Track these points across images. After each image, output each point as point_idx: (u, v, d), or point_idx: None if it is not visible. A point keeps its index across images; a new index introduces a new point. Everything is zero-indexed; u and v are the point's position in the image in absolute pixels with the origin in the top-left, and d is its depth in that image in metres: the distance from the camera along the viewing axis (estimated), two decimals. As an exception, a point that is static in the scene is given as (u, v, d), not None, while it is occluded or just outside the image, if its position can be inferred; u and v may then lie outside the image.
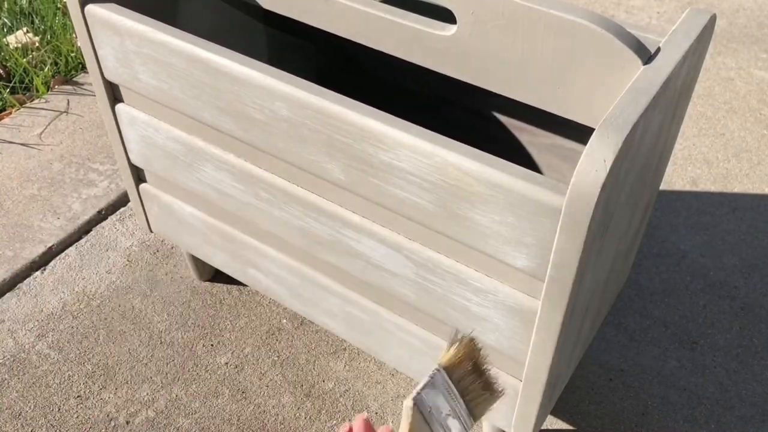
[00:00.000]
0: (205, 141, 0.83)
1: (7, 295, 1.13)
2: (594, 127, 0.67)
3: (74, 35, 1.68)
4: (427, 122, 1.03)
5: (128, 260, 1.19)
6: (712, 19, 0.71)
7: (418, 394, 0.56)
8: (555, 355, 0.68)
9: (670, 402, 1.00)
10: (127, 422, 0.97)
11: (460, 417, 0.58)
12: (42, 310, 1.11)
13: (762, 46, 1.76)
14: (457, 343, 0.59)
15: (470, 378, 0.60)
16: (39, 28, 1.71)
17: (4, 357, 1.04)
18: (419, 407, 0.56)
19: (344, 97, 0.67)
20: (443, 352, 0.60)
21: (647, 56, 0.65)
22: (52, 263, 1.19)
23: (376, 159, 0.66)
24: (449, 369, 0.58)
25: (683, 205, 1.31)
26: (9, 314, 1.10)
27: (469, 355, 0.59)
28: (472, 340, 0.60)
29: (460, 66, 0.77)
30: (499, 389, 0.60)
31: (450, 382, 0.58)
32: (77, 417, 0.97)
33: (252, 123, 0.74)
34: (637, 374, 1.04)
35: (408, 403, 0.55)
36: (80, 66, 1.63)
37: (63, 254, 1.20)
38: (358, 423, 0.58)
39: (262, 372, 1.03)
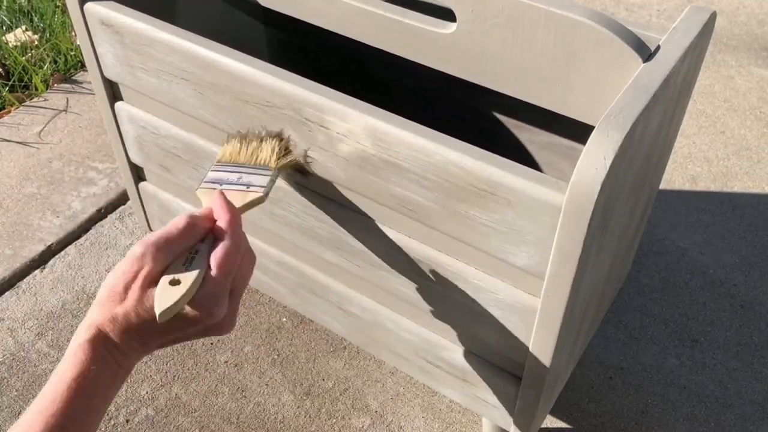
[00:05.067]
0: (204, 139, 0.82)
1: (7, 293, 1.13)
2: (594, 125, 0.66)
3: (73, 33, 1.68)
4: (427, 120, 1.03)
5: (128, 259, 1.19)
6: (713, 17, 0.71)
7: (201, 182, 0.66)
8: (555, 353, 0.68)
9: (670, 400, 1.00)
10: (127, 421, 0.97)
11: (255, 173, 0.68)
12: (41, 309, 1.11)
13: (762, 43, 1.76)
14: (229, 140, 0.72)
15: (255, 149, 0.71)
16: (38, 26, 1.71)
17: (3, 356, 1.04)
18: (207, 188, 0.65)
19: (344, 95, 0.67)
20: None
21: (647, 54, 0.65)
22: (51, 262, 1.19)
23: (376, 157, 0.66)
24: (226, 160, 0.70)
25: (683, 203, 1.31)
26: (8, 313, 1.10)
27: (244, 143, 0.71)
28: (242, 134, 0.72)
29: (460, 64, 0.77)
30: (291, 143, 0.72)
31: (231, 165, 0.69)
32: (77, 415, 0.97)
33: (252, 121, 0.74)
34: (636, 372, 1.04)
35: (196, 192, 0.65)
36: (79, 64, 1.63)
37: (62, 253, 1.20)
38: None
39: (262, 370, 1.03)
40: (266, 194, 0.65)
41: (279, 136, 0.72)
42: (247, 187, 0.65)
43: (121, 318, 0.52)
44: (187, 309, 0.52)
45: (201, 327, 0.53)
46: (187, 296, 0.51)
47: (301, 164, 0.73)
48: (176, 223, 0.54)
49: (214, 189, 0.64)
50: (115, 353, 0.53)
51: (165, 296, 0.51)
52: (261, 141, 0.71)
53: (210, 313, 0.52)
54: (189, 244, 0.55)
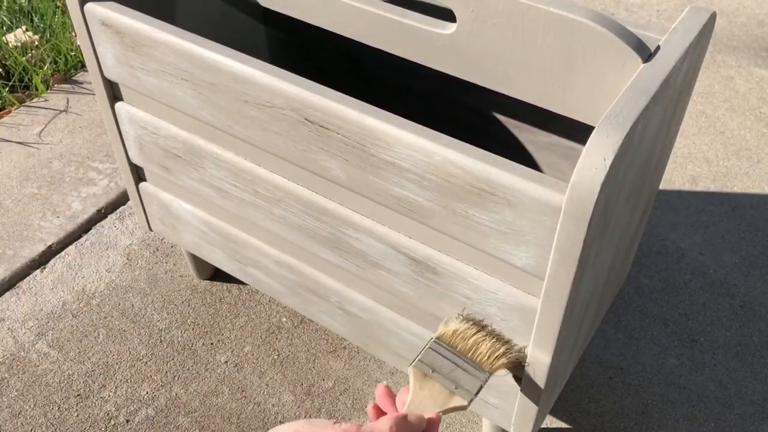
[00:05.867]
0: (204, 139, 0.82)
1: (7, 294, 1.13)
2: (594, 125, 0.67)
3: (74, 34, 1.68)
4: (427, 120, 1.03)
5: (128, 259, 1.19)
6: (712, 17, 0.71)
7: (418, 360, 0.64)
8: (555, 354, 0.68)
9: (670, 400, 1.00)
10: (127, 421, 0.97)
11: (468, 370, 0.65)
12: (42, 309, 1.11)
13: (762, 44, 1.76)
14: (453, 320, 0.69)
15: (476, 341, 0.68)
16: (38, 26, 1.71)
17: (3, 356, 1.04)
18: (420, 369, 0.63)
19: (344, 95, 0.67)
20: (441, 327, 0.68)
21: (647, 54, 0.65)
22: (51, 262, 1.19)
23: (376, 157, 0.66)
24: (446, 340, 0.67)
25: (683, 204, 1.31)
26: (9, 313, 1.10)
27: (467, 328, 0.68)
28: (468, 317, 0.70)
29: (459, 64, 0.77)
30: (515, 345, 0.69)
31: (449, 347, 0.67)
32: (77, 416, 0.97)
33: (252, 121, 0.74)
34: (636, 372, 1.04)
35: (409, 368, 0.63)
36: (80, 64, 1.63)
37: (63, 253, 1.20)
38: (379, 392, 0.60)
39: (262, 371, 1.03)
40: (470, 403, 0.63)
41: (505, 341, 0.69)
42: (455, 387, 0.63)
43: None
44: None
45: None
46: None
47: (517, 364, 0.71)
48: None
49: (427, 374, 0.64)
50: None
51: None
52: (486, 334, 0.68)
53: None
54: None
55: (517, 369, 0.71)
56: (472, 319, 0.69)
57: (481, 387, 0.64)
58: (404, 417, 0.56)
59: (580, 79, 0.70)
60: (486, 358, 0.67)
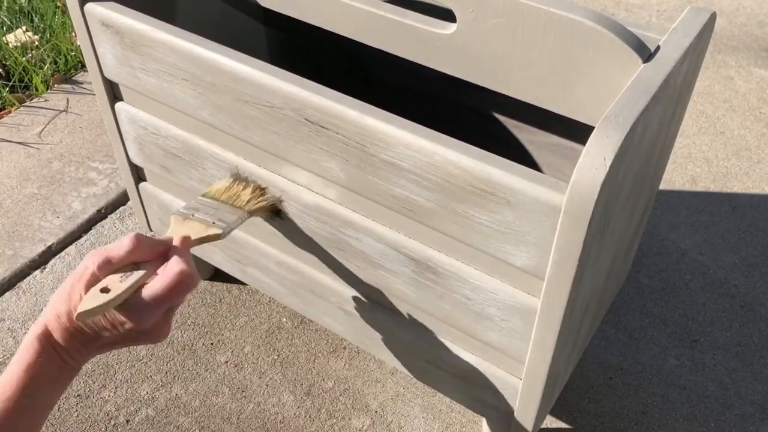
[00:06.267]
0: (204, 139, 0.82)
1: (7, 294, 1.13)
2: (594, 125, 0.67)
3: (74, 34, 1.68)
4: (427, 120, 1.03)
5: (128, 259, 1.19)
6: (712, 18, 0.71)
7: (179, 210, 0.70)
8: (555, 354, 0.68)
9: (670, 400, 1.00)
10: (127, 421, 0.97)
11: (228, 211, 0.73)
12: (42, 309, 1.11)
13: (762, 44, 1.76)
14: (217, 181, 0.78)
15: (236, 192, 0.76)
16: (38, 26, 1.71)
17: (3, 356, 1.04)
18: (181, 215, 0.69)
19: (344, 95, 0.67)
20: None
21: (647, 54, 0.65)
22: (51, 262, 1.19)
23: (376, 157, 0.66)
24: (210, 196, 0.75)
25: (683, 204, 1.31)
26: (9, 313, 1.10)
27: (229, 185, 0.76)
28: (233, 176, 0.78)
29: (459, 64, 0.77)
30: (271, 193, 0.78)
31: (212, 200, 0.74)
32: (77, 416, 0.97)
33: (252, 121, 0.74)
34: (636, 373, 1.04)
35: (171, 216, 0.69)
36: (80, 65, 1.63)
37: (63, 253, 1.20)
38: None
39: (262, 371, 1.03)
40: (225, 234, 0.69)
41: (259, 186, 0.78)
42: (213, 222, 0.70)
43: (64, 316, 0.58)
44: (117, 314, 0.58)
45: (130, 332, 0.59)
46: (109, 304, 0.57)
47: (276, 207, 0.80)
48: (122, 240, 0.60)
49: (187, 216, 0.69)
50: (59, 349, 0.59)
51: (89, 300, 0.57)
52: (245, 186, 0.77)
53: (139, 320, 0.58)
54: (131, 260, 0.60)
55: (275, 213, 0.79)
56: (236, 177, 0.77)
57: (239, 222, 0.71)
58: (140, 235, 0.61)
59: (580, 79, 0.70)
60: (245, 203, 0.75)
